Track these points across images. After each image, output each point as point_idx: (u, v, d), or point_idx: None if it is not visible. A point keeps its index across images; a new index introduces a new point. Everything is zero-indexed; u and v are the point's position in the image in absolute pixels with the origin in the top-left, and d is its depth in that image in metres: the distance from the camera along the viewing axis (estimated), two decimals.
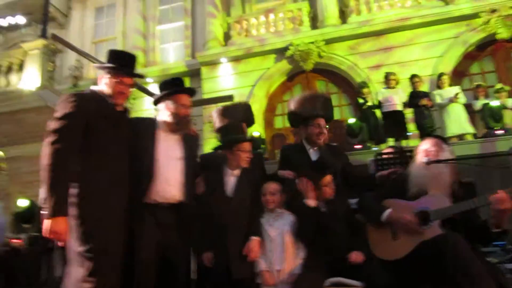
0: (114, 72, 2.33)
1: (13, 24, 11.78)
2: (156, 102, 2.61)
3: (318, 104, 3.20)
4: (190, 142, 2.65)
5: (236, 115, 3.28)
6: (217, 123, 3.34)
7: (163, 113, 2.54)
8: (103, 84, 2.35)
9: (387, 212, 2.44)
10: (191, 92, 2.66)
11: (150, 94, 6.86)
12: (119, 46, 11.12)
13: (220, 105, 3.57)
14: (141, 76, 2.56)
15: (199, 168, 2.83)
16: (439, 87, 6.45)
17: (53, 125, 2.11)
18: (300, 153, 3.15)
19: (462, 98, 6.19)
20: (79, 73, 10.42)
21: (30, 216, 4.35)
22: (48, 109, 6.69)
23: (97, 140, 2.20)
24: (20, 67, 7.20)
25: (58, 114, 2.15)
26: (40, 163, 2.06)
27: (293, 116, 3.29)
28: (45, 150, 2.06)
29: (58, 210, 1.98)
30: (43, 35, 7.60)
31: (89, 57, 8.17)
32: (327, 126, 3.12)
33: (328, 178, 2.76)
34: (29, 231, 4.30)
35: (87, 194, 2.10)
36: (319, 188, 2.74)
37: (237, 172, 2.81)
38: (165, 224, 2.38)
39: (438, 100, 6.24)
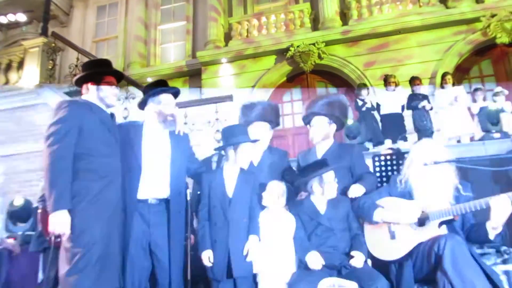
0: (100, 76, 2.50)
1: (14, 22, 11.79)
2: (142, 106, 2.78)
3: (334, 105, 3.16)
4: (179, 140, 2.74)
5: (256, 114, 3.25)
6: (238, 121, 3.37)
7: (149, 113, 2.72)
8: (90, 91, 2.50)
9: (382, 212, 2.44)
10: (174, 91, 2.81)
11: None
12: (120, 46, 11.14)
13: (244, 102, 3.52)
14: (122, 75, 2.70)
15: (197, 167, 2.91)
16: (442, 86, 6.46)
17: (48, 130, 2.26)
18: (309, 154, 3.17)
19: (464, 99, 6.19)
20: (79, 72, 10.40)
21: (25, 215, 4.32)
22: (47, 107, 6.68)
23: (91, 142, 2.33)
24: (20, 64, 7.21)
25: (53, 120, 2.30)
26: (42, 165, 2.23)
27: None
28: (44, 154, 2.21)
29: (60, 204, 2.09)
30: (44, 33, 7.60)
31: (90, 56, 8.15)
32: (311, 124, 3.08)
33: (330, 175, 2.76)
34: (24, 231, 4.26)
35: (80, 193, 2.20)
36: (322, 185, 2.74)
37: (237, 171, 2.82)
38: (154, 222, 2.50)
39: (438, 100, 6.25)
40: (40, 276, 3.44)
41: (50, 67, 7.14)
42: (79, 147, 2.28)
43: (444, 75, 6.52)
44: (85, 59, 8.06)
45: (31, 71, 7.06)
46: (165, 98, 2.70)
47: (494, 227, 2.17)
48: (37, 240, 3.46)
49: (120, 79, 2.63)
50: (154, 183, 2.56)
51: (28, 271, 3.57)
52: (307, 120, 3.19)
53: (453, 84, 6.38)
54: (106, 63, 2.62)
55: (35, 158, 6.23)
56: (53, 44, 7.23)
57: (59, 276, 2.14)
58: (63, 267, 2.12)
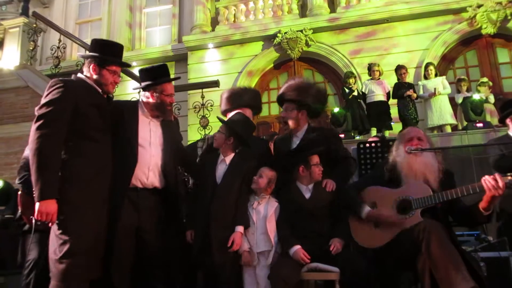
0: (107, 63, 2.38)
1: None
2: (141, 88, 2.64)
3: (311, 91, 3.13)
4: (170, 127, 2.68)
5: (242, 101, 3.26)
6: (223, 106, 3.38)
7: (148, 100, 2.56)
8: (92, 72, 2.38)
9: (366, 210, 2.44)
10: (175, 80, 2.75)
11: (137, 79, 6.69)
12: (104, 28, 10.87)
13: (228, 88, 3.55)
14: (129, 65, 2.63)
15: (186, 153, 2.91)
16: (425, 77, 6.51)
17: (39, 110, 2.15)
18: (286, 140, 3.13)
19: (447, 89, 6.26)
20: (61, 54, 10.15)
21: (5, 197, 4.23)
22: (28, 89, 6.52)
23: (84, 127, 2.25)
24: (0, 45, 6.99)
25: (45, 99, 2.18)
26: (29, 148, 2.12)
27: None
28: (32, 136, 2.11)
29: (47, 192, 2.04)
30: (24, 12, 7.36)
31: (73, 38, 7.94)
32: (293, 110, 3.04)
33: (315, 158, 2.77)
34: (4, 213, 4.19)
35: (70, 180, 2.15)
36: (308, 168, 2.74)
37: (228, 159, 2.81)
38: (143, 209, 2.42)
39: (421, 91, 6.32)
40: (19, 259, 3.38)
41: (31, 48, 6.92)
42: (71, 130, 2.19)
43: (427, 66, 6.59)
44: (68, 41, 7.87)
45: (11, 52, 6.87)
46: (168, 88, 2.57)
47: (485, 208, 2.18)
48: (16, 223, 3.40)
49: (125, 66, 2.57)
50: (146, 172, 2.46)
51: (7, 254, 3.51)
52: (280, 103, 3.23)
53: (436, 75, 6.45)
54: (117, 50, 2.48)
55: (15, 141, 6.09)
56: (35, 25, 6.99)
57: (50, 261, 2.12)
58: (54, 253, 2.11)
